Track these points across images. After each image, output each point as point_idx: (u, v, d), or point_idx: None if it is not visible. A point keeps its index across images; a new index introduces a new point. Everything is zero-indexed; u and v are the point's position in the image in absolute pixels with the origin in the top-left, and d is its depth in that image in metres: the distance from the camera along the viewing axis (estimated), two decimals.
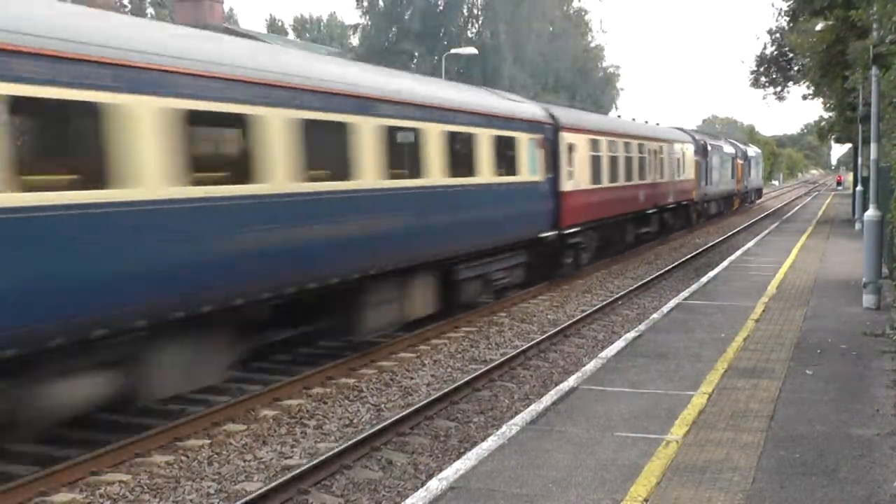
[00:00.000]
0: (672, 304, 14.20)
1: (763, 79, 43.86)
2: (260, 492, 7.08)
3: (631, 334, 11.66)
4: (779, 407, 7.94)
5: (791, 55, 38.87)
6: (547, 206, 17.75)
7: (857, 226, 27.79)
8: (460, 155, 14.00)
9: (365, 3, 49.41)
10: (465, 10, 50.32)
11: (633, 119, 32.48)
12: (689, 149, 32.72)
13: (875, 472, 6.23)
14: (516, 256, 16.60)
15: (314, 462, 7.76)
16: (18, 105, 6.83)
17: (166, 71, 8.17)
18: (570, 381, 9.10)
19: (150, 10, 66.24)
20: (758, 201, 57.75)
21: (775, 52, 42.30)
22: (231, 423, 9.22)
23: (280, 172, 9.57)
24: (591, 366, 9.81)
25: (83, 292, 7.31)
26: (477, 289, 15.06)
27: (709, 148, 37.20)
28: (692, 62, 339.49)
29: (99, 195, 7.47)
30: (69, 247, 7.17)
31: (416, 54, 48.29)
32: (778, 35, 40.62)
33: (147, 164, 7.92)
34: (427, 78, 16.44)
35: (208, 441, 8.66)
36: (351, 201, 10.97)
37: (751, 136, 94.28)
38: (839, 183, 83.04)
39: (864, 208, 16.07)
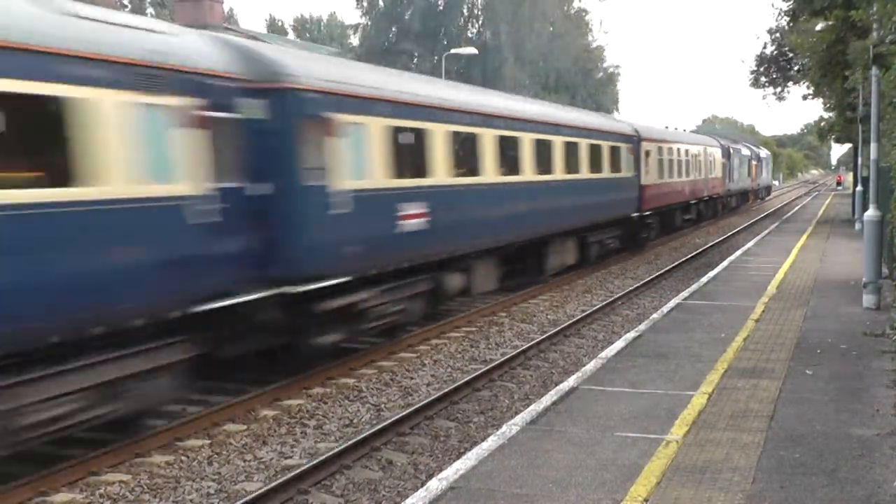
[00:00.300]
0: (672, 304, 14.20)
1: (763, 79, 43.90)
2: (260, 492, 7.08)
3: (631, 334, 11.65)
4: (779, 407, 7.94)
5: (791, 55, 38.88)
6: (634, 195, 24.73)
7: (857, 226, 27.79)
8: (595, 158, 20.98)
9: (365, 3, 49.43)
10: (465, 10, 50.32)
11: (666, 126, 40.31)
12: (718, 152, 39.22)
13: (875, 472, 6.23)
14: (617, 229, 23.36)
15: (314, 462, 7.77)
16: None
17: (446, 109, 14.00)
18: (570, 381, 9.10)
19: (150, 10, 66.29)
20: (767, 197, 63.84)
21: (775, 52, 42.32)
22: (231, 423, 9.22)
23: (488, 167, 15.26)
24: (591, 366, 9.81)
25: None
26: (597, 250, 21.74)
27: (731, 151, 43.15)
28: (692, 62, 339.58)
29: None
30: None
31: (416, 54, 48.30)
32: (778, 35, 40.64)
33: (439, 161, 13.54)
34: (575, 109, 26.28)
35: (208, 441, 8.67)
36: (548, 187, 17.95)
37: (750, 136, 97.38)
38: (839, 183, 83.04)
39: (864, 208, 16.07)
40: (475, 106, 15.07)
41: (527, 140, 16.73)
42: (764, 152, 62.15)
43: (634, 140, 24.62)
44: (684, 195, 31.74)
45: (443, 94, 14.27)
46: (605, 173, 21.84)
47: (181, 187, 8.35)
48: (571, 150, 19.34)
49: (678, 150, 30.62)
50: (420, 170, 12.90)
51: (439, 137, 13.41)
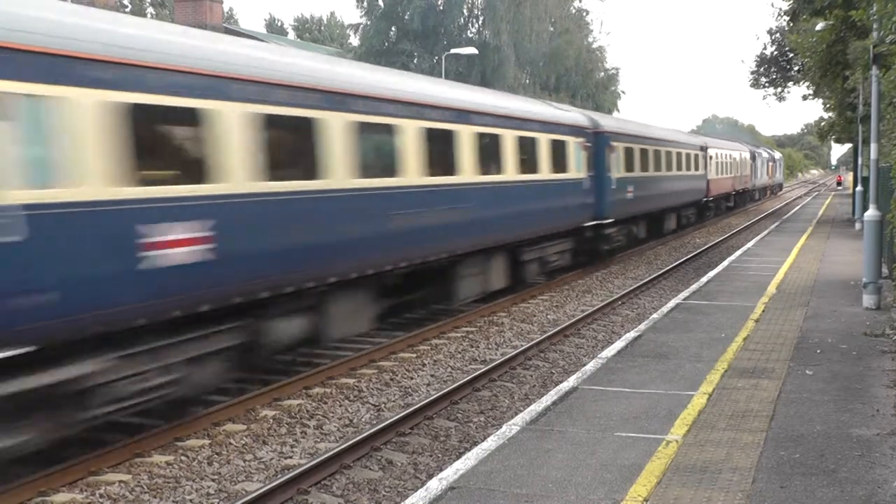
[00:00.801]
0: (672, 304, 14.20)
1: (763, 79, 43.96)
2: (260, 492, 7.08)
3: (631, 334, 11.65)
4: (779, 407, 7.94)
5: (791, 55, 38.90)
6: (701, 185, 32.04)
7: (857, 226, 27.80)
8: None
9: (365, 3, 49.41)
10: (465, 10, 50.31)
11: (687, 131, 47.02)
12: (748, 154, 50.50)
13: (875, 472, 6.23)
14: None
15: (314, 462, 7.76)
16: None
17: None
18: (570, 381, 9.10)
19: (150, 10, 66.25)
20: (780, 192, 78.38)
21: (775, 52, 42.36)
22: (231, 423, 9.22)
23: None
24: (591, 366, 9.80)
25: None
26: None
27: (756, 154, 55.01)
28: (692, 62, 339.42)
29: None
30: None
31: (416, 54, 48.27)
32: (778, 35, 40.68)
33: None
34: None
35: (208, 441, 8.67)
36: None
37: (750, 135, 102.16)
38: (839, 183, 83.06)
39: (864, 208, 16.07)
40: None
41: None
42: (777, 155, 76.24)
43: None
44: (730, 188, 43.40)
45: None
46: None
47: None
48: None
49: (726, 154, 41.74)
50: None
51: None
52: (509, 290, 17.07)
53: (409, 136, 12.45)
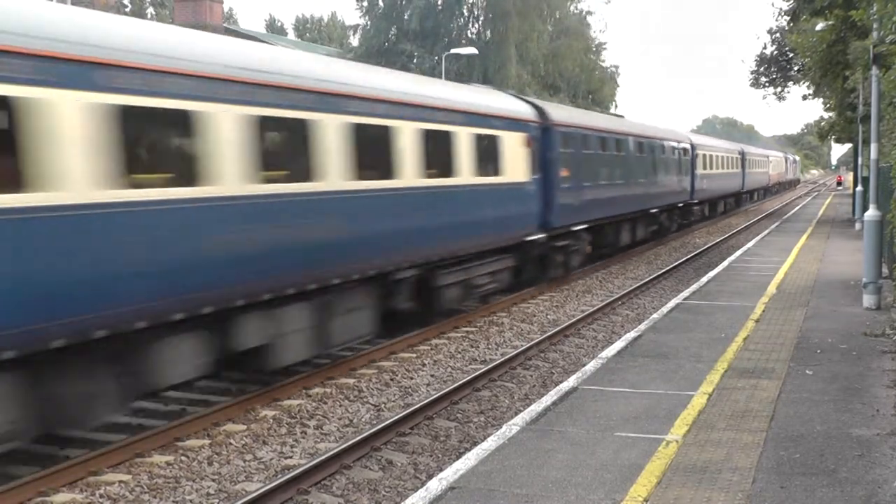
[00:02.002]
0: (672, 304, 14.20)
1: (763, 79, 43.96)
2: (260, 492, 7.08)
3: (631, 334, 11.65)
4: (779, 407, 7.94)
5: (791, 55, 38.90)
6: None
7: (857, 226, 27.79)
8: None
9: (365, 3, 49.41)
10: (465, 10, 50.32)
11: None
12: (782, 157, 77.20)
13: (875, 472, 6.23)
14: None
15: (314, 462, 7.76)
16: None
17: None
18: (570, 381, 9.09)
19: (150, 10, 66.24)
20: (797, 185, 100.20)
21: (775, 52, 42.35)
22: (231, 423, 9.21)
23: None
24: (591, 366, 9.80)
25: None
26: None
27: (787, 158, 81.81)
28: (692, 62, 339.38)
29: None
30: None
31: (416, 55, 48.27)
32: (778, 35, 40.67)
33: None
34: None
35: (208, 441, 8.66)
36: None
37: (750, 135, 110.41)
38: (839, 183, 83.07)
39: (864, 208, 16.07)
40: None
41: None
42: (796, 157, 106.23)
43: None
44: (769, 181, 63.77)
45: None
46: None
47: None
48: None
49: (766, 158, 61.31)
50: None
51: None
52: (509, 290, 16.93)
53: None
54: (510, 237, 15.96)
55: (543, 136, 17.46)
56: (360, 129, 10.99)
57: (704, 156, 34.76)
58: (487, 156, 14.96)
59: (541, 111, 17.91)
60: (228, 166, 8.84)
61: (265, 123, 9.40)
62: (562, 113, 19.92)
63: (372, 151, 11.37)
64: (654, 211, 27.10)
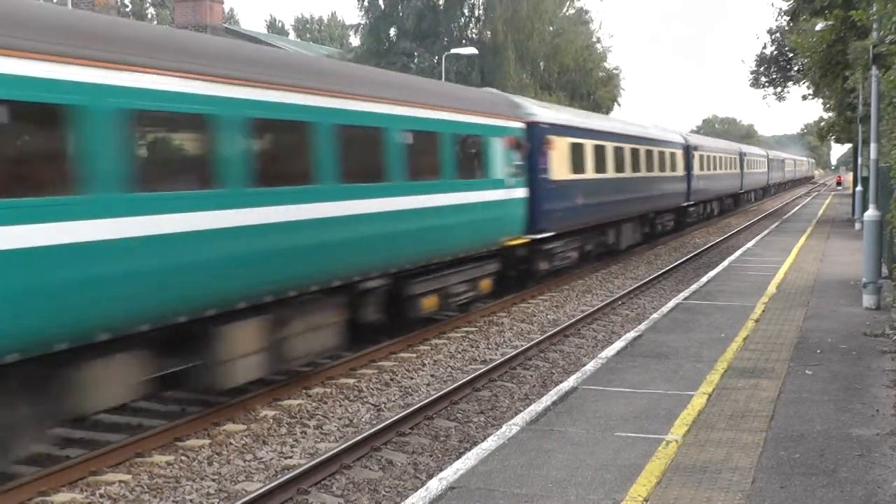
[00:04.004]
0: (672, 304, 14.20)
1: (763, 79, 43.96)
2: (260, 492, 7.08)
3: (631, 334, 11.65)
4: (779, 407, 7.94)
5: (791, 55, 38.90)
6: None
7: (857, 226, 27.79)
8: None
9: (365, 3, 49.39)
10: (465, 10, 50.29)
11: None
12: (806, 160, 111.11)
13: (875, 472, 6.23)
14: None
15: (314, 462, 7.76)
16: None
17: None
18: (570, 381, 9.10)
19: (150, 10, 66.27)
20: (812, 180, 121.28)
21: (775, 52, 42.34)
22: (231, 423, 9.22)
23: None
24: (591, 366, 9.80)
25: None
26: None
27: (808, 160, 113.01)
28: (692, 62, 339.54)
29: None
30: None
31: (416, 55, 48.25)
32: (778, 35, 40.66)
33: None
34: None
35: (208, 441, 8.66)
36: None
37: (750, 135, 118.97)
38: (839, 183, 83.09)
39: (864, 208, 16.06)
40: None
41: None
42: (812, 160, 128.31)
43: (767, 158, 23.32)
44: (791, 176, 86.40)
45: None
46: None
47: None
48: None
49: (793, 161, 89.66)
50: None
51: None
52: (508, 290, 16.89)
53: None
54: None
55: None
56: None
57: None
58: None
59: (805, 156, 36.47)
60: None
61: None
62: (809, 156, 31.89)
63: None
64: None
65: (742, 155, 47.26)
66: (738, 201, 49.15)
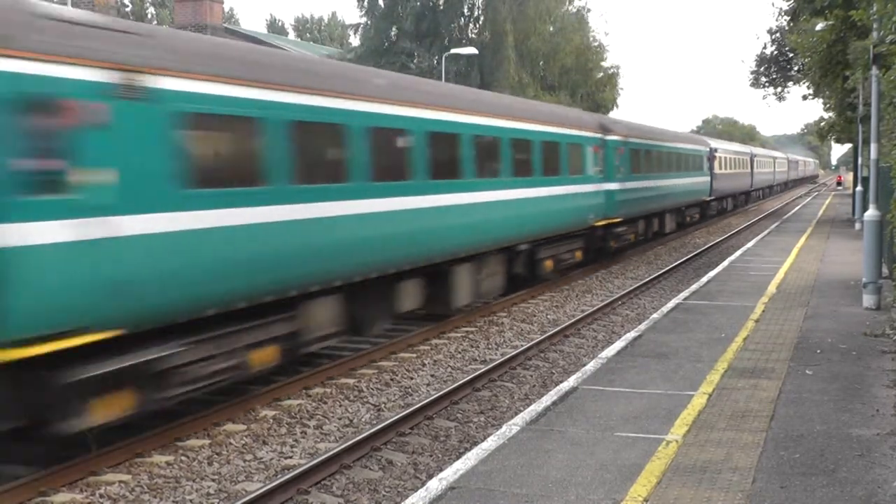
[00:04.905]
0: (672, 304, 14.20)
1: (763, 79, 43.96)
2: (260, 492, 7.08)
3: (631, 334, 11.65)
4: (779, 407, 7.94)
5: (791, 55, 38.89)
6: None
7: (857, 226, 27.80)
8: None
9: (365, 3, 49.39)
10: (465, 10, 50.27)
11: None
12: (813, 160, 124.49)
13: (875, 472, 6.23)
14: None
15: (314, 462, 7.77)
16: None
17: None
18: (570, 381, 9.10)
19: (150, 10, 66.25)
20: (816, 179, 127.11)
21: (775, 52, 42.34)
22: (231, 423, 9.22)
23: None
24: (591, 366, 9.80)
25: None
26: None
27: (814, 161, 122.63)
28: (692, 62, 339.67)
29: None
30: None
31: (416, 54, 48.23)
32: (778, 35, 40.66)
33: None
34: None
35: (208, 441, 8.67)
36: None
37: (750, 135, 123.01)
38: (839, 183, 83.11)
39: (864, 208, 16.07)
40: None
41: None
42: (816, 160, 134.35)
43: (789, 160, 32.06)
44: (799, 174, 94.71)
45: None
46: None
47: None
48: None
49: (804, 162, 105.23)
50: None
51: None
52: (508, 290, 16.98)
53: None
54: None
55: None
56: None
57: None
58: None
59: (811, 157, 42.39)
60: None
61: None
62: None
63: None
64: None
65: (752, 156, 52.96)
66: (749, 197, 55.00)
